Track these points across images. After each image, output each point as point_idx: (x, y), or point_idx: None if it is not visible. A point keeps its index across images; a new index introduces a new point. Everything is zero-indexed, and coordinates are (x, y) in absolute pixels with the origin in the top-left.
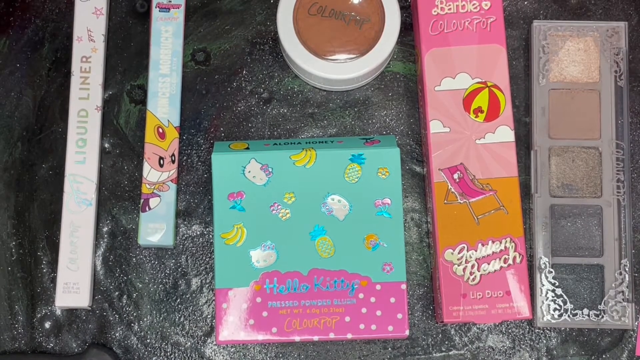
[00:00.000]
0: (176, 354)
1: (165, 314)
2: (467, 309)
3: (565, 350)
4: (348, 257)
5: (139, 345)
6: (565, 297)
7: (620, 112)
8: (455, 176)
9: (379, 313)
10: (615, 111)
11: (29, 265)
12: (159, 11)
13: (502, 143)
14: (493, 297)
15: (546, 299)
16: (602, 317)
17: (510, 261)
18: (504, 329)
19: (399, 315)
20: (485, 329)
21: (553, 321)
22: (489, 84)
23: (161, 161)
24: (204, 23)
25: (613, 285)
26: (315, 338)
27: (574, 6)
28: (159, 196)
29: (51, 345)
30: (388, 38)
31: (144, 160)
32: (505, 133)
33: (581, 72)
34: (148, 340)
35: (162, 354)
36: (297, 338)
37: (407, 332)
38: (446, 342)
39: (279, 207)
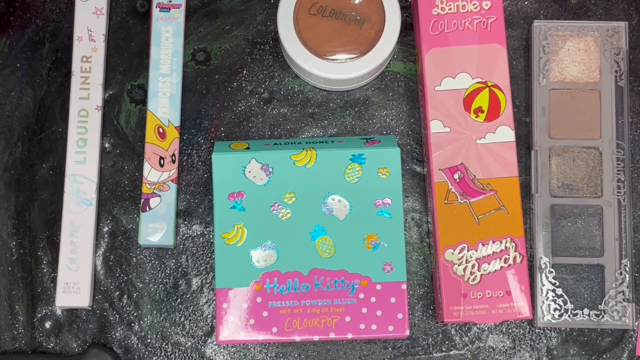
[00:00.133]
0: (176, 354)
1: (165, 314)
2: (468, 308)
3: (566, 350)
4: (348, 257)
5: (139, 345)
6: (566, 297)
7: (621, 112)
8: (456, 176)
9: (379, 313)
10: (616, 111)
11: (29, 265)
12: (160, 11)
13: (503, 143)
14: (493, 297)
15: (546, 299)
16: (603, 317)
17: (511, 261)
18: (504, 329)
19: (400, 315)
20: (486, 329)
21: (553, 321)
22: (489, 83)
23: (161, 161)
24: (204, 23)
25: (613, 285)
26: (316, 338)
27: (574, 6)
28: (160, 196)
29: (51, 345)
30: (388, 38)
31: (145, 160)
32: (505, 133)
33: (581, 72)
34: (148, 340)
35: (163, 354)
36: (297, 338)
37: (407, 332)
38: (446, 342)
39: (280, 207)
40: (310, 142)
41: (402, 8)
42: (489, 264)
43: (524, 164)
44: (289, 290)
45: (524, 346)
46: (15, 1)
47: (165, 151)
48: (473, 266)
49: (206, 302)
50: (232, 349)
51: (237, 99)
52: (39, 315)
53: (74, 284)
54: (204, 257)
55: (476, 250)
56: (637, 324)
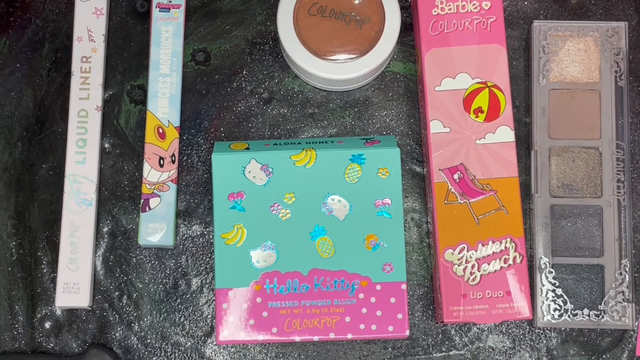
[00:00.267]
0: (176, 354)
1: (165, 314)
2: (467, 309)
3: (566, 350)
4: (348, 257)
5: (139, 346)
6: (566, 297)
7: (621, 112)
8: (456, 176)
9: (379, 313)
10: (616, 111)
11: (29, 265)
12: (159, 11)
13: (503, 143)
14: (493, 297)
15: (546, 299)
16: (603, 317)
17: (511, 261)
18: (504, 329)
19: (399, 316)
20: (486, 329)
21: (553, 321)
22: (489, 84)
23: (161, 161)
24: (204, 23)
25: (613, 285)
26: (316, 338)
27: (574, 6)
28: (159, 196)
29: (51, 345)
30: (388, 38)
31: (144, 160)
32: (505, 133)
33: (581, 72)
34: (148, 341)
35: (162, 354)
36: (297, 338)
37: (407, 332)
38: (446, 342)
39: (279, 207)
40: (310, 143)
41: (402, 8)
42: (488, 264)
43: (523, 164)
44: (289, 290)
45: (523, 346)
46: (15, 1)
47: (165, 151)
48: (473, 266)
49: (206, 302)
50: (232, 349)
51: (237, 99)
52: (39, 315)
53: (73, 284)
54: (204, 258)
55: (476, 251)
56: (637, 324)
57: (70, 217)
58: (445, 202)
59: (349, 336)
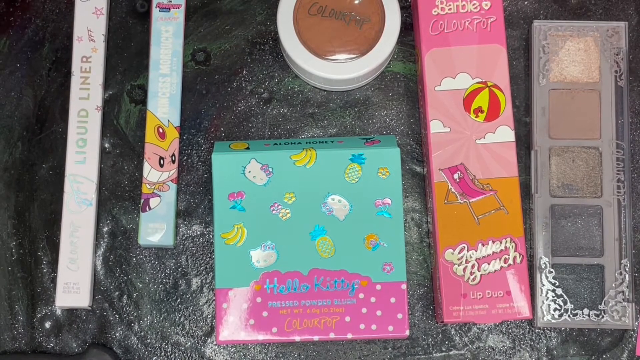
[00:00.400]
0: (176, 354)
1: (165, 314)
2: (468, 309)
3: (566, 350)
4: (348, 257)
5: (139, 345)
6: (566, 297)
7: (621, 112)
8: (456, 176)
9: (379, 313)
10: (616, 111)
11: (29, 265)
12: (159, 11)
13: (503, 143)
14: (493, 297)
15: (546, 299)
16: (603, 317)
17: (511, 261)
18: (504, 329)
19: (399, 315)
20: (486, 329)
21: (553, 321)
22: (489, 84)
23: (161, 161)
24: (204, 23)
25: (613, 285)
26: (316, 338)
27: (574, 6)
28: (159, 196)
29: (51, 345)
30: (388, 38)
31: (144, 160)
32: (505, 133)
33: (581, 72)
34: (148, 340)
35: (163, 354)
36: (297, 338)
37: (407, 332)
38: (446, 342)
39: (279, 207)
40: (310, 142)
41: (402, 8)
42: (488, 264)
43: (523, 164)
44: (289, 290)
45: (523, 346)
46: (15, 1)
47: (165, 151)
48: (473, 266)
49: (206, 302)
50: (232, 349)
51: (237, 99)
52: (39, 315)
53: (73, 284)
54: (204, 257)
55: (476, 250)
56: (637, 324)
57: (71, 217)
58: (446, 202)
59: (349, 336)
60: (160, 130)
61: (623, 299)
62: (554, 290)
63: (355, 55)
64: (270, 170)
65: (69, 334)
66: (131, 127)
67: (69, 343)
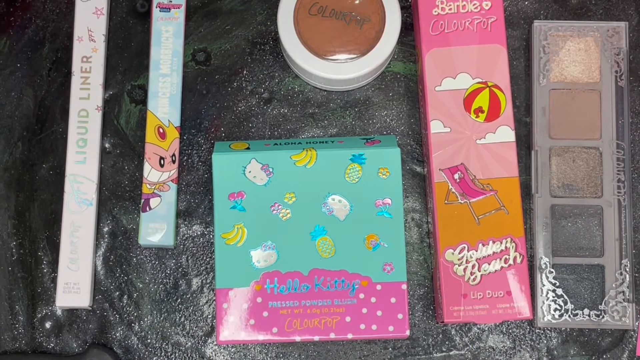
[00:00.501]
0: (177, 354)
1: (165, 314)
2: (468, 309)
3: (566, 350)
4: (348, 257)
5: (139, 346)
6: (566, 297)
7: (621, 112)
8: (456, 176)
9: (379, 313)
10: (616, 111)
11: (29, 265)
12: (160, 11)
13: (503, 143)
14: (494, 297)
15: (547, 299)
16: (603, 317)
17: (511, 261)
18: (504, 329)
19: (400, 316)
20: (486, 329)
21: (554, 321)
22: (489, 84)
23: (162, 161)
24: (204, 23)
25: (614, 285)
26: (316, 338)
27: (574, 6)
28: (160, 196)
29: (52, 345)
30: (388, 38)
31: (145, 160)
32: (505, 133)
33: (582, 72)
34: (148, 341)
35: (163, 354)
36: (297, 338)
37: (407, 332)
38: (447, 342)
39: (280, 207)
40: (310, 142)
41: (402, 8)
42: (489, 264)
43: (524, 164)
44: (289, 290)
45: (524, 346)
46: (15, 1)
47: (165, 151)
48: (473, 266)
49: (206, 302)
50: (232, 349)
51: (237, 99)
52: (39, 315)
53: (74, 284)
54: (204, 257)
55: (476, 251)
56: (637, 324)
57: (71, 217)
58: (446, 202)
59: (349, 336)
60: (161, 130)
61: (623, 299)
62: (554, 291)
63: (355, 56)
64: (271, 170)
65: (69, 334)
66: (131, 127)
67: (69, 343)
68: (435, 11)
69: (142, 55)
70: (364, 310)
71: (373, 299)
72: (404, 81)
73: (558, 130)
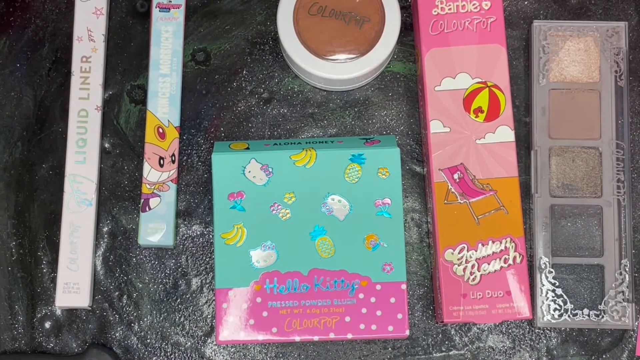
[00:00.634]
0: (176, 354)
1: (165, 314)
2: (467, 309)
3: (566, 350)
4: (348, 257)
5: (139, 345)
6: (566, 297)
7: (621, 112)
8: (456, 176)
9: (379, 313)
10: (616, 111)
11: (29, 265)
12: (159, 11)
13: (502, 143)
14: (493, 297)
15: (546, 299)
16: (602, 317)
17: (511, 261)
18: (504, 329)
19: (399, 315)
20: (486, 329)
21: (553, 321)
22: (489, 84)
23: (161, 161)
24: (204, 23)
25: (613, 285)
26: (316, 338)
27: (574, 6)
28: (159, 196)
29: (51, 345)
30: (388, 38)
31: (144, 160)
32: (505, 133)
33: (581, 72)
34: (148, 340)
35: (162, 354)
36: (297, 338)
37: (407, 332)
38: (446, 342)
39: (279, 207)
40: (310, 142)
41: (402, 8)
42: (488, 264)
43: (523, 164)
44: (289, 290)
45: (523, 346)
46: (15, 1)
47: (165, 151)
48: (473, 266)
49: (206, 302)
50: (232, 349)
51: (237, 99)
52: (39, 315)
53: (73, 284)
54: (204, 257)
55: (476, 251)
56: (637, 324)
57: (70, 217)
58: (445, 202)
59: (349, 336)
60: (160, 130)
61: (623, 299)
62: (553, 291)
63: (355, 55)
64: (270, 170)
65: (69, 334)
66: (131, 127)
67: (69, 343)
68: (434, 11)
69: (141, 55)
70: (364, 310)
71: (373, 299)
72: (404, 81)
73: (558, 130)
